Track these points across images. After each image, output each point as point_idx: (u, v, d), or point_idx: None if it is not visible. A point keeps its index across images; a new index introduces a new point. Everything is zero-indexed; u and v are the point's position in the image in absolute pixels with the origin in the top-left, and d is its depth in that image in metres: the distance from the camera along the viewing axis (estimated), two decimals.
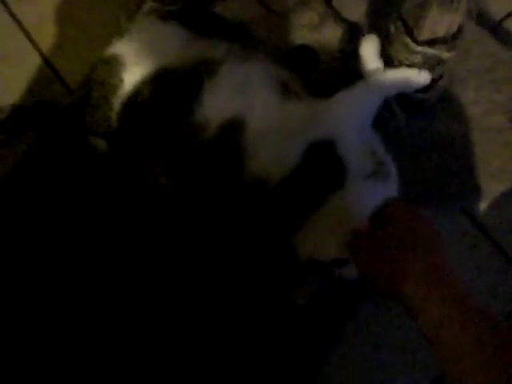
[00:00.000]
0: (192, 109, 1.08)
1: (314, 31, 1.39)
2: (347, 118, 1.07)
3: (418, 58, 1.14)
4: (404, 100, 1.22)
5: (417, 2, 1.03)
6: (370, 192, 1.02)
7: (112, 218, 1.21)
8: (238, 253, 1.10)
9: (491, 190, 1.27)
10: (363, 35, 1.21)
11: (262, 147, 1.04)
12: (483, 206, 1.27)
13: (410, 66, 1.16)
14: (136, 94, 1.13)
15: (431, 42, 1.11)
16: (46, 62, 1.47)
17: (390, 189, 1.07)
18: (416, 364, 1.15)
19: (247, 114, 1.06)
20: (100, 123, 1.17)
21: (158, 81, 1.12)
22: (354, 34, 1.35)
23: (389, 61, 1.19)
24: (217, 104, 1.08)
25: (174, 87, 1.11)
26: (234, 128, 1.05)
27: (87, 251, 1.19)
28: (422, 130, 1.29)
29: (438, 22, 1.06)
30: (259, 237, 1.05)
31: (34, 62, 1.48)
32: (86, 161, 1.21)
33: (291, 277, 1.07)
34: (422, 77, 1.15)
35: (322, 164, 1.02)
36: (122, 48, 1.19)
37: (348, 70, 1.29)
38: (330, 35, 1.38)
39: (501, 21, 1.42)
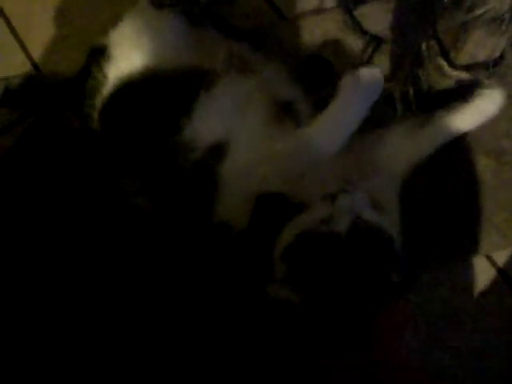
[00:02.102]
0: (181, 124, 0.94)
1: (330, 42, 1.26)
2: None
3: (451, 83, 1.01)
4: None
5: (458, 20, 0.89)
6: None
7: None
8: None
9: None
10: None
11: (230, 189, 0.92)
12: (507, 253, 1.13)
13: (441, 90, 1.03)
14: (118, 94, 1.02)
15: (469, 67, 0.98)
16: (30, 60, 1.34)
17: None
18: None
19: (232, 142, 0.93)
20: (85, 119, 1.07)
21: (144, 84, 1.00)
22: (375, 49, 1.22)
23: (417, 84, 1.05)
24: (209, 123, 0.95)
25: (163, 94, 0.98)
26: (215, 156, 0.93)
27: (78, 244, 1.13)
28: (443, 161, 1.15)
29: (481, 45, 0.93)
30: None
31: (17, 59, 1.35)
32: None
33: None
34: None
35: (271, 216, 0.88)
36: (112, 38, 1.07)
37: None
38: (349, 48, 1.24)
39: None
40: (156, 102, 0.99)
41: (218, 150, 0.92)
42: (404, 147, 1.02)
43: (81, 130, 1.11)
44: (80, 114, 1.09)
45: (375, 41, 1.22)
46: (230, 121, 0.95)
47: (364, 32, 1.24)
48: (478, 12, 0.85)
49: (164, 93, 0.99)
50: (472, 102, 1.00)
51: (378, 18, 1.25)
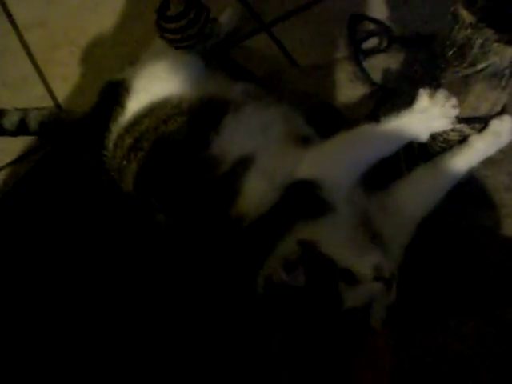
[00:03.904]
0: (209, 140, 1.01)
1: (340, 91, 1.29)
2: (334, 161, 1.00)
3: (454, 136, 1.03)
4: None
5: (461, 74, 0.92)
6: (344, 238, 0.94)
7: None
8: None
9: None
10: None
11: (255, 187, 0.98)
12: None
13: (443, 142, 1.05)
14: (140, 120, 1.07)
15: (470, 120, 1.00)
16: (49, 92, 1.39)
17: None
18: None
19: (258, 154, 1.01)
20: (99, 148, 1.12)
21: (171, 108, 1.06)
22: (383, 99, 1.25)
23: None
24: (237, 139, 1.02)
25: (192, 115, 1.05)
26: (243, 166, 1.00)
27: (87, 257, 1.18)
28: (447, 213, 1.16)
29: (482, 99, 0.95)
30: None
31: (38, 91, 1.40)
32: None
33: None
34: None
35: (298, 199, 0.95)
36: (133, 73, 1.14)
37: None
38: (358, 97, 1.28)
39: None
40: (184, 123, 1.05)
41: (245, 162, 0.99)
42: (415, 192, 1.06)
43: (93, 165, 1.15)
44: (93, 150, 1.13)
45: (383, 91, 1.26)
46: (257, 138, 1.03)
47: (372, 82, 1.28)
48: (480, 66, 0.87)
49: (191, 116, 1.06)
50: (486, 129, 1.02)
51: (386, 70, 1.29)
